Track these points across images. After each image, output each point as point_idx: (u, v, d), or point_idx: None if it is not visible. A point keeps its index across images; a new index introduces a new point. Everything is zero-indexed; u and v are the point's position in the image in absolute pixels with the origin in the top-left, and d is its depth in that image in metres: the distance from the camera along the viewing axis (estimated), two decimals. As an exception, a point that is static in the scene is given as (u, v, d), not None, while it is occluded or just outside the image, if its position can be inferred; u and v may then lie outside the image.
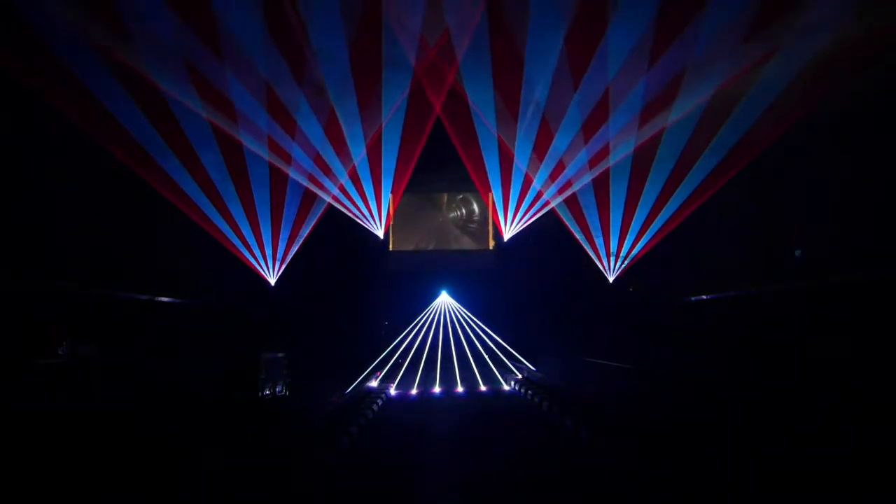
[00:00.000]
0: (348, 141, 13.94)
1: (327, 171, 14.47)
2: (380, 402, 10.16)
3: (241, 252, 14.25)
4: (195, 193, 12.64)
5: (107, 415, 8.17)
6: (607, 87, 11.54)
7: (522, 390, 11.40)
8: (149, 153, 10.96)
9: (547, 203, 15.40)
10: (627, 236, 15.09)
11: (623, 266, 15.65)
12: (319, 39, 10.40)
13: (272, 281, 15.40)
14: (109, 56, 8.92)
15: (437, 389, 11.87)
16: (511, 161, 15.09)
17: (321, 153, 13.94)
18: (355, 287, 16.44)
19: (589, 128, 13.14)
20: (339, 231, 15.97)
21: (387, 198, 16.68)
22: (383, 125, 13.53)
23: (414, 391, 11.73)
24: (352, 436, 7.30)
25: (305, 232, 15.25)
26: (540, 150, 14.25)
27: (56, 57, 8.31)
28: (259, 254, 14.74)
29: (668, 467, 5.37)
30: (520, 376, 12.90)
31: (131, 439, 6.89)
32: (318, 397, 10.33)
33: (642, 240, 14.77)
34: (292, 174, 13.89)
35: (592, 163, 14.06)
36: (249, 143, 12.70)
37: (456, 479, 5.70)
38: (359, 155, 14.07)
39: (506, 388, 12.18)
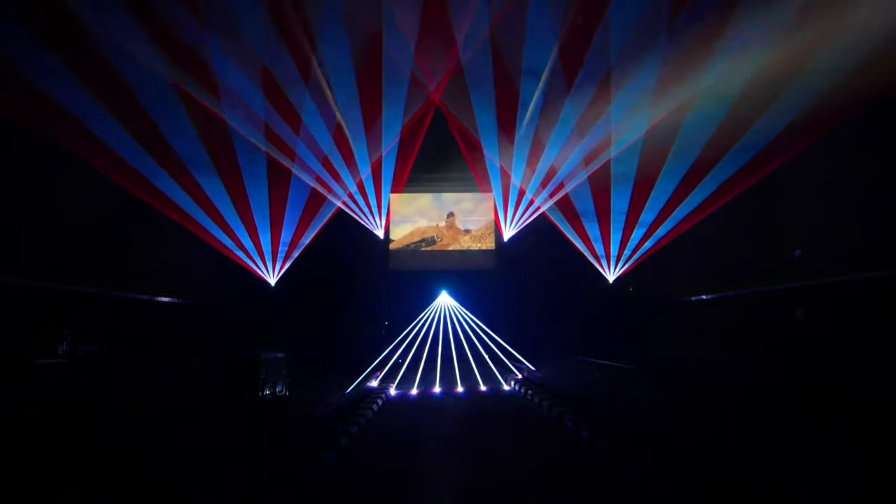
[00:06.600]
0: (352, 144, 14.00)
1: (335, 175, 14.57)
2: (380, 402, 10.16)
3: (237, 256, 14.29)
4: (194, 196, 12.66)
5: (105, 414, 8.17)
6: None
7: (522, 390, 11.40)
8: (146, 154, 10.98)
9: (538, 208, 15.59)
10: (629, 241, 15.09)
11: (623, 267, 15.67)
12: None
13: (272, 281, 15.42)
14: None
15: (437, 389, 11.86)
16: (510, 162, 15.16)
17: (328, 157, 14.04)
18: (355, 287, 16.44)
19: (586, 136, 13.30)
20: (339, 230, 15.98)
21: (387, 197, 16.70)
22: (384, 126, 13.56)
23: (414, 391, 11.73)
24: (351, 436, 7.30)
25: (312, 234, 15.29)
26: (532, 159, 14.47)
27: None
28: (257, 255, 14.77)
29: (668, 467, 5.37)
30: (520, 376, 12.89)
31: (130, 439, 6.89)
32: (318, 397, 10.33)
33: (645, 245, 14.76)
34: (296, 170, 13.93)
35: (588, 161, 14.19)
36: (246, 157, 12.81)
37: (456, 480, 5.71)
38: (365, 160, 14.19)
39: (506, 388, 12.17)
